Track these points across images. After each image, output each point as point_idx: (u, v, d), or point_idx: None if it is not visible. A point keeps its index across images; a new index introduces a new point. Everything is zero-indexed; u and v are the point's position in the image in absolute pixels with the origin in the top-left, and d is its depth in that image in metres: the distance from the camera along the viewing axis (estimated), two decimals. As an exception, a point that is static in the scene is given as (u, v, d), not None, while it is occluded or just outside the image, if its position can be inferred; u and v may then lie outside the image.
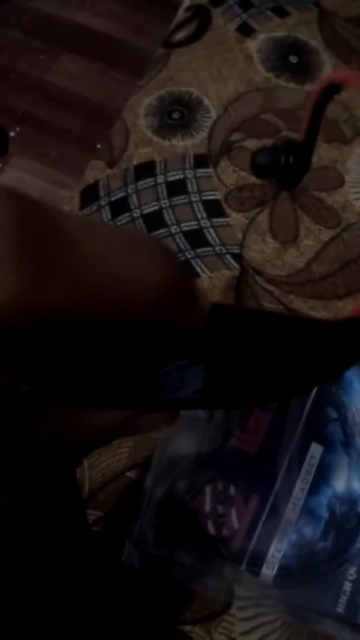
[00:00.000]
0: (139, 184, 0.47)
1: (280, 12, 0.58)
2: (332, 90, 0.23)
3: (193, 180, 0.47)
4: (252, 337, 0.12)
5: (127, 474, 0.35)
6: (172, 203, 0.46)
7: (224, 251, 0.44)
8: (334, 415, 0.36)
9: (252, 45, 0.55)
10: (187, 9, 0.60)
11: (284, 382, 0.13)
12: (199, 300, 0.11)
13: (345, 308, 0.41)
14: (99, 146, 1.02)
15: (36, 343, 0.09)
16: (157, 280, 0.10)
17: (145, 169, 0.48)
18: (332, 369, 0.14)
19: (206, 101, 0.51)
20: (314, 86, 0.23)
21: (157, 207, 0.46)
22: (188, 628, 0.32)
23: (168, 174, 0.47)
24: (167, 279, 0.10)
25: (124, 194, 0.47)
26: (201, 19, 0.58)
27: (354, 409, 0.36)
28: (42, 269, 0.08)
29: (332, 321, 0.14)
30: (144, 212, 0.46)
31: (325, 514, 0.33)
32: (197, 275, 0.43)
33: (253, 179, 0.47)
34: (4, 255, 0.08)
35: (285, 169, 0.24)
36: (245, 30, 0.57)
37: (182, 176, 0.47)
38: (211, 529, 0.32)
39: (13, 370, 0.10)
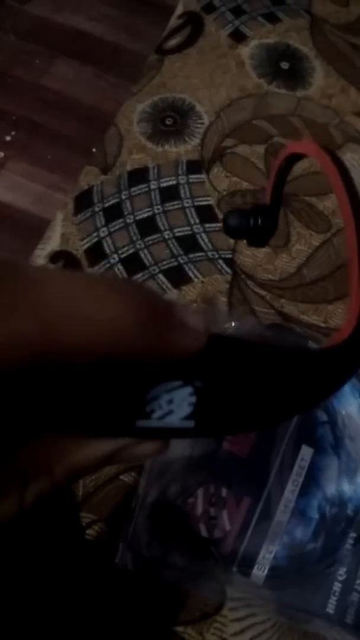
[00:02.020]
0: (132, 190, 0.48)
1: (272, 19, 0.59)
2: (293, 158, 0.25)
3: (186, 186, 0.48)
4: (246, 366, 0.13)
5: (121, 477, 0.36)
6: (165, 209, 0.46)
7: (217, 256, 0.44)
8: (324, 418, 0.36)
9: (244, 51, 0.56)
10: (180, 16, 0.61)
11: (274, 408, 0.14)
12: (187, 328, 0.11)
13: (335, 312, 0.42)
14: (94, 150, 1.02)
15: (14, 378, 0.10)
16: (124, 314, 0.10)
17: (139, 175, 0.48)
18: (320, 395, 0.15)
19: (199, 107, 0.52)
20: (278, 155, 0.25)
21: (150, 213, 0.46)
22: (180, 629, 0.32)
23: (161, 180, 0.48)
24: (136, 313, 0.10)
25: (118, 199, 0.47)
26: (194, 25, 0.59)
27: (343, 412, 0.36)
28: (3, 307, 0.09)
29: (318, 351, 0.15)
30: (137, 218, 0.46)
31: (315, 516, 0.34)
32: (190, 281, 0.43)
33: (245, 184, 0.47)
34: None
35: (255, 230, 0.27)
36: (237, 37, 0.57)
37: (175, 182, 0.48)
38: (203, 531, 0.33)
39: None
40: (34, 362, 0.09)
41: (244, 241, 0.45)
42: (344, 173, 0.20)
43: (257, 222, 0.26)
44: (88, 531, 0.34)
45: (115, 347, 0.10)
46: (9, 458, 0.12)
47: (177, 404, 0.12)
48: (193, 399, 0.12)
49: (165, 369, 0.12)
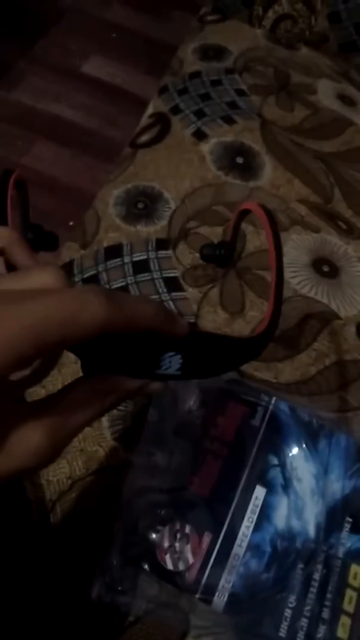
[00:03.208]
0: (108, 263, 0.54)
1: (229, 121, 0.69)
2: (244, 212, 0.37)
3: (155, 260, 0.54)
4: (208, 344, 0.24)
5: (96, 516, 0.40)
6: (137, 280, 0.53)
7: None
8: (275, 462, 0.41)
9: (205, 147, 0.65)
10: (150, 116, 0.70)
11: (224, 365, 0.25)
12: (181, 324, 0.22)
13: (284, 369, 0.48)
14: (71, 223, 1.10)
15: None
16: (155, 315, 0.21)
17: (114, 251, 0.55)
18: (248, 358, 0.26)
19: (166, 194, 0.60)
20: (235, 210, 0.37)
21: (124, 283, 0.53)
22: (149, 656, 0.35)
23: (133, 255, 0.55)
24: (161, 315, 0.21)
25: (95, 271, 0.54)
26: (162, 124, 0.68)
27: (291, 457, 0.42)
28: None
29: (248, 337, 0.26)
30: (112, 287, 0.52)
31: (268, 549, 0.38)
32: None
33: (206, 260, 0.55)
34: None
35: (220, 257, 0.41)
36: (200, 135, 0.67)
37: (145, 257, 0.55)
38: (169, 564, 0.37)
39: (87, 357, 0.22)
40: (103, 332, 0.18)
41: (205, 308, 0.52)
42: (272, 220, 0.31)
43: (221, 252, 0.42)
44: (64, 565, 0.38)
45: (150, 327, 0.20)
46: (97, 379, 0.22)
47: (173, 363, 0.22)
48: (181, 361, 0.22)
49: (169, 346, 0.21)
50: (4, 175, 0.29)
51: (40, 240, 0.34)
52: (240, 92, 0.73)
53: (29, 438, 0.19)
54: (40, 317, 0.17)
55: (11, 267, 0.25)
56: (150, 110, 0.71)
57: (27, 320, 0.17)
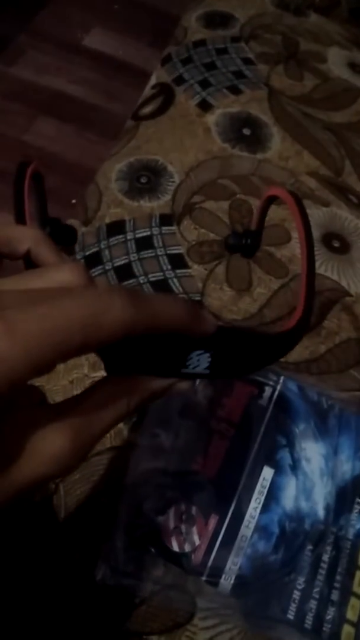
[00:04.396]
0: (110, 240, 0.53)
1: (235, 91, 0.67)
2: (271, 199, 0.34)
3: (159, 236, 0.53)
4: (236, 341, 0.23)
5: (100, 497, 0.39)
6: (141, 257, 0.52)
7: (187, 298, 0.49)
8: (284, 442, 0.40)
9: (211, 119, 0.63)
10: (153, 87, 0.68)
11: (252, 364, 0.24)
12: (207, 321, 0.21)
13: (293, 348, 0.47)
14: (73, 201, 1.09)
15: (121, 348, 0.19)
16: (184, 315, 0.20)
17: (116, 227, 0.54)
18: (277, 357, 0.25)
19: (170, 168, 0.58)
20: (262, 196, 0.35)
21: (126, 261, 0.51)
22: (155, 638, 0.35)
23: (137, 231, 0.53)
24: (188, 315, 0.20)
25: (97, 248, 0.52)
26: (166, 95, 0.66)
27: (300, 437, 0.41)
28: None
29: (276, 333, 0.24)
30: (115, 265, 0.51)
31: (276, 530, 0.37)
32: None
33: (212, 236, 0.53)
34: None
35: (246, 247, 0.40)
36: (205, 106, 0.64)
37: (149, 233, 0.53)
38: (175, 546, 0.36)
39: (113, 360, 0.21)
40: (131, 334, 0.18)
41: (211, 285, 0.51)
42: (301, 208, 0.29)
43: (247, 241, 0.39)
44: (69, 549, 0.37)
45: (176, 328, 0.20)
46: (121, 379, 0.21)
47: (202, 362, 0.22)
48: (209, 359, 0.22)
49: (196, 344, 0.21)
50: (20, 169, 0.28)
51: (58, 234, 0.33)
52: (247, 61, 0.70)
53: (51, 442, 0.18)
54: (61, 321, 0.16)
55: (29, 264, 0.23)
56: (153, 80, 0.69)
57: (47, 325, 0.16)
